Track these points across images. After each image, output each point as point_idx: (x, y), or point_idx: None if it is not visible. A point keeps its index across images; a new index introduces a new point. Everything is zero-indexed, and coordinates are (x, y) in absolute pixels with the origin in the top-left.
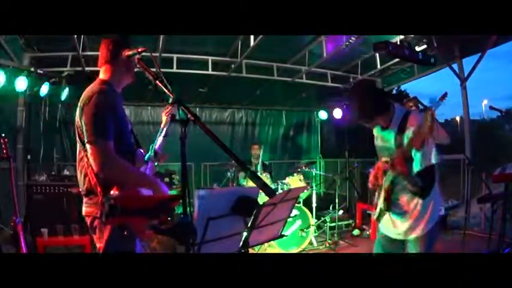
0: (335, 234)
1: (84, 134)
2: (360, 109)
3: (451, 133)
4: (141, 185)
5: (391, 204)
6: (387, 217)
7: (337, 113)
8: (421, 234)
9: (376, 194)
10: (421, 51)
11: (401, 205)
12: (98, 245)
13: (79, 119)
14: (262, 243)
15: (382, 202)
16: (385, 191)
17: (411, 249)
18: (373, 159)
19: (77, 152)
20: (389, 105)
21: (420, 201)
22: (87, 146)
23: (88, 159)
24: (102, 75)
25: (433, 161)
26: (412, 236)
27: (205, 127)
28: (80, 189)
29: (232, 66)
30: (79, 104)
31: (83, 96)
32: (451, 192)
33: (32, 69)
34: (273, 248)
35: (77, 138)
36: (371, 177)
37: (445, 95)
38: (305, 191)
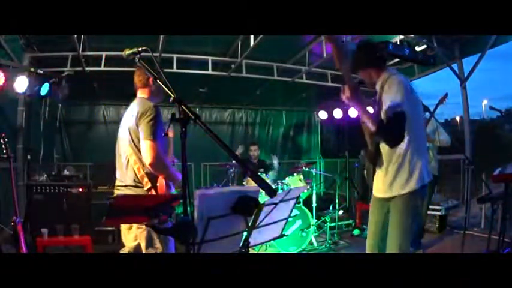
0: (335, 234)
1: (141, 134)
2: (356, 57)
3: (451, 133)
4: (173, 179)
5: (375, 155)
6: (376, 174)
7: (337, 113)
8: (400, 195)
9: None
10: (421, 51)
11: (382, 156)
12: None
13: (135, 125)
14: (262, 243)
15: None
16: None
17: (391, 210)
18: None
19: (122, 152)
20: (381, 65)
21: (400, 157)
22: (145, 142)
23: (137, 156)
24: (143, 95)
25: (402, 109)
26: (392, 194)
27: (206, 126)
28: (121, 183)
29: (232, 66)
30: (133, 114)
31: (136, 108)
32: (451, 192)
33: (32, 69)
34: (273, 248)
35: (130, 140)
36: None
37: (445, 97)
38: (305, 191)
